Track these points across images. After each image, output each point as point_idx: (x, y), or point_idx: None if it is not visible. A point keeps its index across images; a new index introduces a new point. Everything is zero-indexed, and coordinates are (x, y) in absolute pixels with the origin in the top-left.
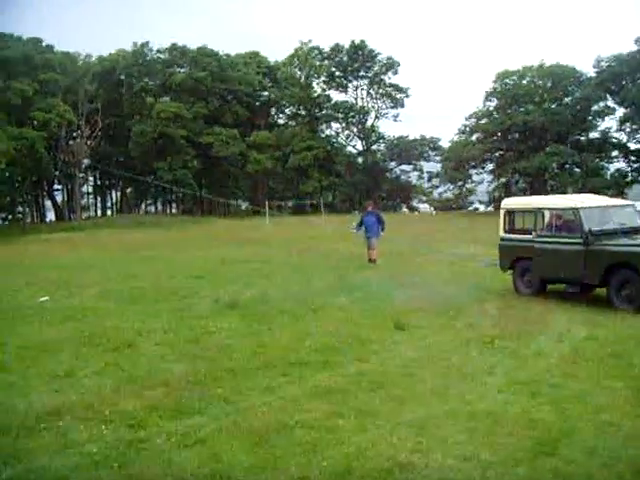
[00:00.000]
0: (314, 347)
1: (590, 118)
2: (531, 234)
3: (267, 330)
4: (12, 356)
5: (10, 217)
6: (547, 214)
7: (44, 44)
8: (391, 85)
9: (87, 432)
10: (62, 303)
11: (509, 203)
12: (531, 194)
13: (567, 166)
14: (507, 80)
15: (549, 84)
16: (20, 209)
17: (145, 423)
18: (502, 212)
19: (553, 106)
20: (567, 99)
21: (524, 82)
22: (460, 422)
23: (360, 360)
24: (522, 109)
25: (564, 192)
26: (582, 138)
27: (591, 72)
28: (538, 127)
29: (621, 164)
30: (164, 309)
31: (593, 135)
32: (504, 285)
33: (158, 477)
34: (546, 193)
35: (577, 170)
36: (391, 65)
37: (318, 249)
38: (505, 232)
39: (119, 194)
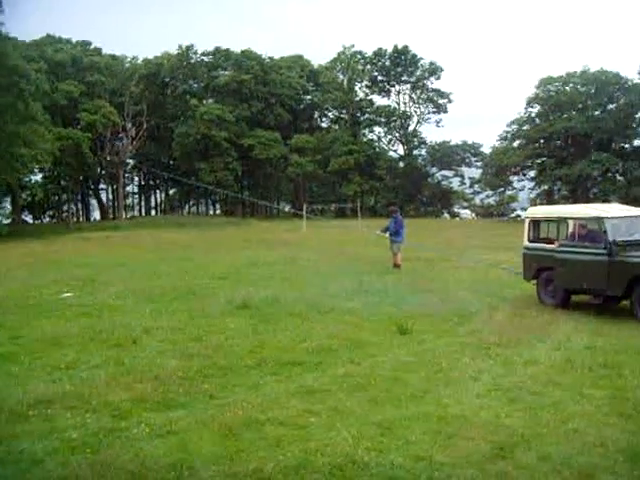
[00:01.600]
0: (311, 348)
1: (635, 125)
2: (554, 244)
3: (270, 331)
4: (23, 348)
5: (57, 215)
6: (571, 223)
7: (92, 47)
8: (433, 90)
9: (72, 420)
10: (82, 299)
11: (533, 212)
12: (573, 202)
13: (610, 174)
14: (550, 86)
15: (593, 90)
16: (66, 207)
17: (128, 414)
18: (526, 221)
19: (597, 113)
20: (611, 106)
21: (567, 88)
22: (428, 424)
23: (352, 362)
24: (565, 116)
25: (607, 200)
26: (626, 146)
27: (636, 78)
28: (581, 134)
29: None
30: (178, 308)
31: (638, 143)
32: (522, 293)
33: (125, 463)
34: (588, 201)
35: (620, 178)
36: (434, 70)
37: (347, 253)
38: (529, 241)
39: (163, 194)
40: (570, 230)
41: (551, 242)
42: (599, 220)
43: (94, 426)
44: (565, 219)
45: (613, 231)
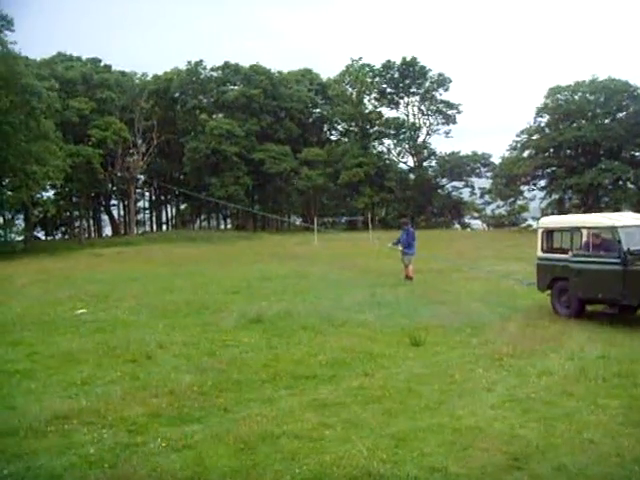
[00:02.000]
0: (325, 361)
1: None
2: (568, 253)
3: (284, 344)
4: (40, 364)
5: (69, 231)
6: (584, 233)
7: (102, 64)
8: (442, 101)
9: (89, 435)
10: (97, 316)
11: (546, 222)
12: (584, 211)
13: (621, 182)
14: (559, 95)
15: (602, 99)
16: (78, 224)
17: (144, 429)
18: (539, 231)
19: (606, 121)
20: (620, 114)
21: (576, 97)
22: (442, 436)
23: (366, 375)
24: (574, 125)
25: (618, 209)
26: (637, 154)
27: None
28: (590, 143)
29: None
30: (191, 323)
31: None
32: (534, 303)
33: (142, 477)
34: (600, 210)
35: (632, 186)
36: (442, 81)
37: (359, 265)
38: (543, 251)
39: (174, 209)
40: (584, 240)
41: (565, 252)
42: (613, 229)
43: (111, 441)
44: (578, 229)
45: (627, 240)
